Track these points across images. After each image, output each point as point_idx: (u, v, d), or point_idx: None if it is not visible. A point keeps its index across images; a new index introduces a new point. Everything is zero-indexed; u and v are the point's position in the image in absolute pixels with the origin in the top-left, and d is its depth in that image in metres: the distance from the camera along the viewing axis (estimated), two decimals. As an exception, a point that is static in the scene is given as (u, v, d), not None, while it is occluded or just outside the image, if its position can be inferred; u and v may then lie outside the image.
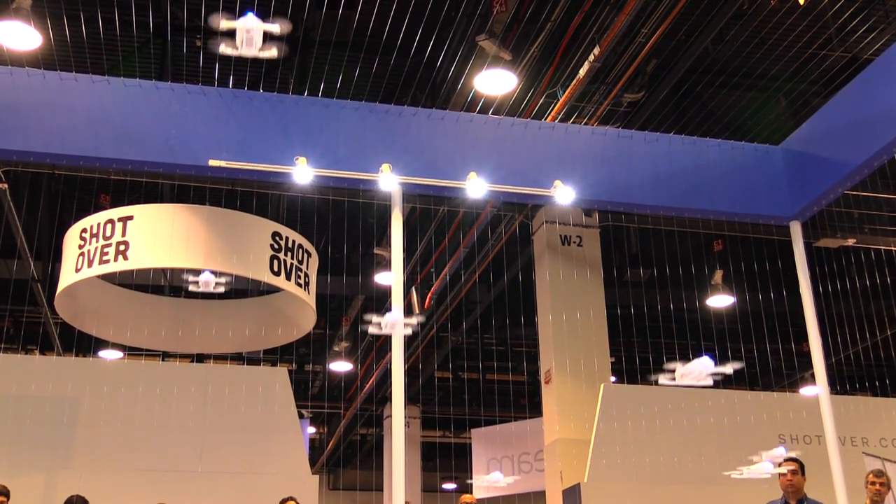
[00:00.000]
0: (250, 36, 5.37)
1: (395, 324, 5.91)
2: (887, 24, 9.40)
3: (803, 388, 16.00)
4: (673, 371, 5.65)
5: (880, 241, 12.24)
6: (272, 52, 5.49)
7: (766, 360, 16.15)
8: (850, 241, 12.15)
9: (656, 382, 5.99)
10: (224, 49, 5.40)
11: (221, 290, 7.27)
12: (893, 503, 8.88)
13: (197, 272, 7.06)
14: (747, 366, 16.74)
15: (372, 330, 5.84)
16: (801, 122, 7.95)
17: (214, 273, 7.14)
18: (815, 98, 10.36)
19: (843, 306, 12.76)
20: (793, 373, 16.96)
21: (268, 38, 5.51)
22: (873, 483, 6.67)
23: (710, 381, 5.64)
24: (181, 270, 9.74)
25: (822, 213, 9.70)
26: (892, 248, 12.11)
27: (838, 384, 16.61)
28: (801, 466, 6.51)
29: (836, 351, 13.70)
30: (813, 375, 7.48)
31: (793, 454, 6.59)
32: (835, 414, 7.03)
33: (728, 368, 5.57)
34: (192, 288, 7.26)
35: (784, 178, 7.67)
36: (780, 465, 6.51)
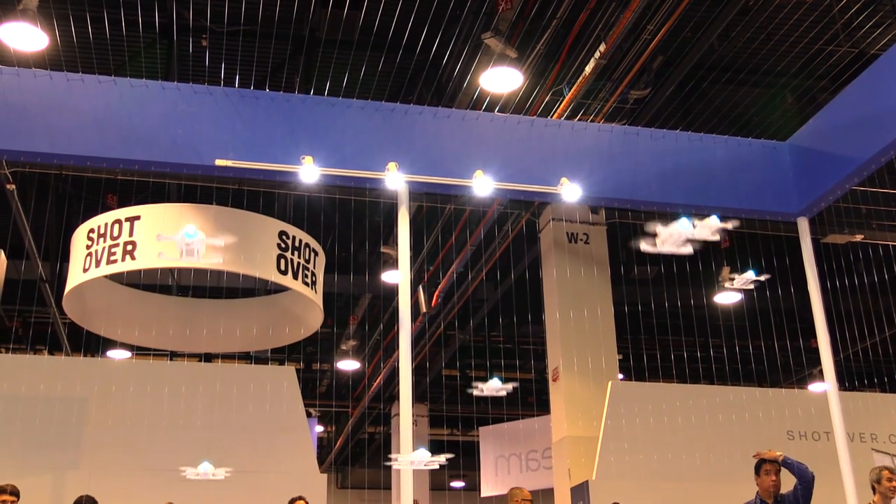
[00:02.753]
0: (191, 247, 5.50)
1: (420, 461, 5.82)
2: (894, 19, 9.37)
3: (811, 385, 15.99)
4: (654, 237, 5.54)
5: (888, 236, 12.21)
6: (217, 261, 5.65)
7: (774, 357, 16.11)
8: (858, 237, 12.12)
9: (637, 249, 5.86)
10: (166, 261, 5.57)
11: (221, 478, 7.35)
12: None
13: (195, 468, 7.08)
14: (755, 362, 16.69)
15: (395, 465, 5.89)
16: (808, 118, 7.92)
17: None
18: (821, 94, 10.33)
19: (851, 302, 12.73)
20: (801, 369, 16.94)
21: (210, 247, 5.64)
22: (890, 480, 6.60)
23: (689, 249, 5.54)
24: (189, 271, 9.77)
25: (830, 209, 9.69)
26: (901, 244, 12.08)
27: (846, 380, 16.59)
28: (778, 466, 6.48)
29: (844, 347, 13.69)
30: (821, 372, 7.47)
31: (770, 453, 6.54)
32: (843, 410, 7.01)
33: (707, 230, 5.46)
34: (189, 476, 7.31)
35: (791, 175, 7.65)
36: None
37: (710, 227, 5.41)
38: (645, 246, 5.54)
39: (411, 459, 5.77)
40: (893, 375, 15.73)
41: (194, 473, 7.19)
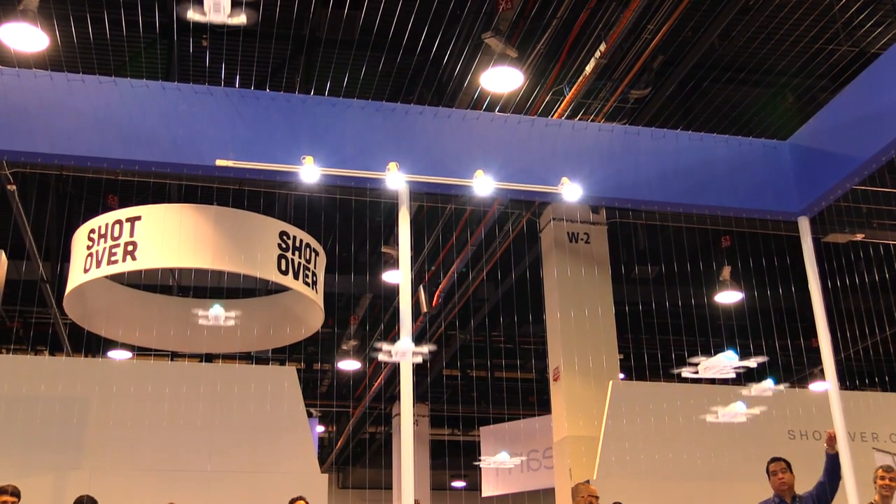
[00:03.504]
0: (218, 2, 5.35)
1: (405, 352, 5.91)
2: (894, 18, 9.37)
3: (812, 384, 15.98)
4: (696, 364, 5.64)
5: (889, 235, 12.20)
6: (241, 19, 5.47)
7: (775, 356, 16.11)
8: (859, 236, 12.11)
9: (679, 376, 5.98)
10: (192, 15, 5.39)
11: (231, 323, 7.29)
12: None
13: (207, 309, 7.03)
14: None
15: (382, 357, 5.88)
16: (809, 117, 7.92)
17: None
18: (822, 93, 10.33)
19: (852, 301, 12.73)
20: (802, 368, 16.94)
21: (235, 3, 5.52)
22: (883, 478, 6.65)
23: (732, 375, 5.65)
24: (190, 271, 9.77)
25: (831, 209, 9.68)
26: (901, 243, 12.08)
27: (847, 379, 16.60)
28: (789, 464, 6.52)
29: (845, 346, 13.69)
30: (822, 371, 7.46)
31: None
32: (844, 409, 7.01)
33: (752, 363, 5.56)
34: (202, 322, 7.27)
35: (792, 174, 7.65)
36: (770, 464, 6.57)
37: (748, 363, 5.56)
38: (686, 373, 5.69)
39: (397, 350, 5.85)
40: (894, 374, 15.73)
41: (205, 318, 7.16)
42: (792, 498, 6.42)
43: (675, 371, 6.12)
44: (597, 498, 7.03)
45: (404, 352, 5.91)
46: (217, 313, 7.08)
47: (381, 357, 5.87)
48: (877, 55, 8.41)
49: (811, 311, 7.33)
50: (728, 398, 11.02)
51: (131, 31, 9.50)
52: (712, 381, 12.95)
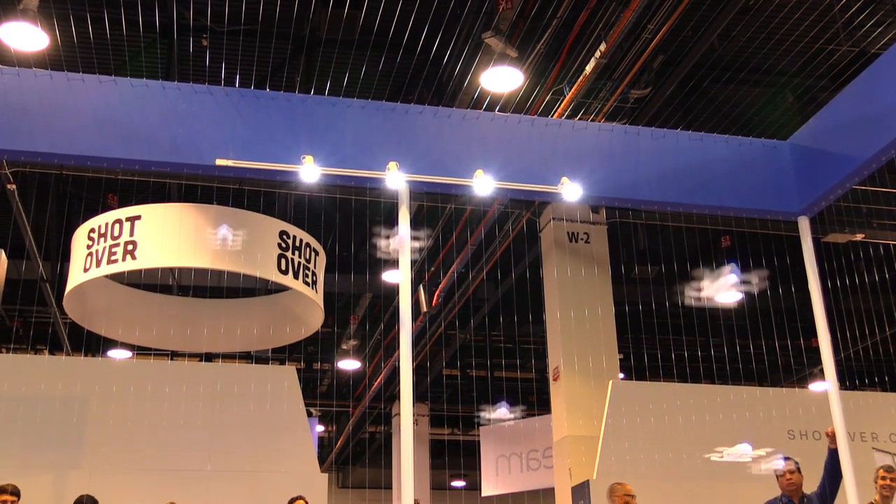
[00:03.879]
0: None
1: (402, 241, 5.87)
2: (895, 18, 9.37)
3: (812, 384, 15.99)
4: (700, 289, 5.60)
5: (889, 235, 12.20)
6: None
7: (775, 356, 16.12)
8: (859, 236, 12.11)
9: (681, 303, 5.94)
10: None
11: (239, 243, 7.26)
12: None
13: (216, 230, 7.05)
14: (756, 362, 16.68)
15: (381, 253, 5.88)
16: (809, 117, 7.92)
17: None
18: (822, 93, 10.33)
19: (852, 301, 12.73)
20: (801, 368, 16.94)
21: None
22: (884, 478, 6.65)
23: (736, 295, 5.58)
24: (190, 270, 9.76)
25: (831, 208, 9.68)
26: (901, 243, 12.08)
27: (847, 379, 16.60)
28: (798, 465, 6.52)
29: (845, 346, 13.69)
30: (822, 371, 7.46)
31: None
32: (844, 409, 7.00)
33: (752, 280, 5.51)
34: (210, 243, 7.24)
35: (792, 174, 7.64)
36: (780, 464, 6.56)
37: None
38: (691, 293, 5.63)
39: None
40: (894, 374, 15.73)
41: (214, 235, 7.16)
42: (800, 498, 6.42)
43: (676, 301, 6.13)
44: (633, 497, 7.01)
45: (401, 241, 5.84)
46: (225, 232, 7.08)
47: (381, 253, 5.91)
48: (877, 55, 8.41)
49: (811, 310, 7.33)
50: (728, 398, 11.08)
51: (131, 30, 9.50)
52: (712, 380, 12.96)
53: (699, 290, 5.78)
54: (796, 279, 8.59)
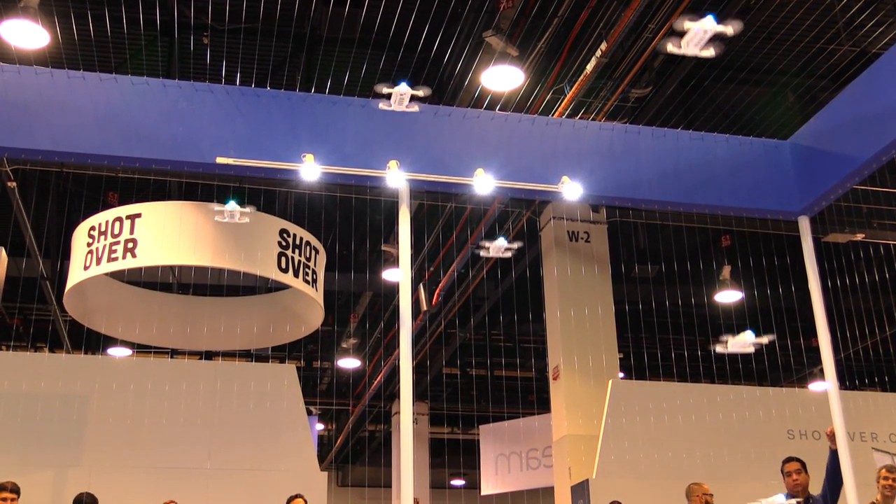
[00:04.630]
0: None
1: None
2: (895, 18, 9.36)
3: (812, 384, 15.99)
4: (680, 37, 5.54)
5: (889, 235, 12.20)
6: (710, 52, 5.64)
7: (775, 356, 16.13)
8: (859, 236, 12.11)
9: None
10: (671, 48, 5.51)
11: (247, 220, 7.26)
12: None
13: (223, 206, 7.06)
14: (755, 361, 16.69)
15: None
16: (810, 116, 7.91)
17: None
18: (823, 93, 10.33)
19: (852, 301, 12.73)
20: (801, 368, 16.94)
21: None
22: (886, 478, 6.65)
23: (712, 52, 5.54)
24: (190, 268, 9.76)
25: (831, 208, 9.68)
26: (902, 243, 12.08)
27: (847, 379, 16.60)
28: (804, 464, 6.52)
29: (845, 346, 13.69)
30: (822, 371, 7.46)
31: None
32: (844, 409, 7.00)
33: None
34: (217, 219, 7.25)
35: (792, 173, 7.64)
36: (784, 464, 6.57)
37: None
38: (670, 47, 5.54)
39: None
40: (894, 374, 15.73)
41: (221, 213, 7.15)
42: (806, 499, 6.42)
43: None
44: (711, 496, 7.03)
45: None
46: (233, 209, 7.08)
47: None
48: (878, 55, 8.40)
49: (811, 310, 7.33)
50: (728, 397, 11.09)
51: (132, 28, 9.50)
52: (712, 380, 12.97)
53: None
54: (796, 279, 8.58)
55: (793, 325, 14.24)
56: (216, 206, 7.18)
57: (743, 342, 6.06)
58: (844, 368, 15.60)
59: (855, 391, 12.28)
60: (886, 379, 15.80)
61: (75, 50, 9.41)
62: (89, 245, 8.45)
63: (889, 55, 6.82)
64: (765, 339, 6.07)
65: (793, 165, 7.65)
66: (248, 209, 7.11)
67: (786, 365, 16.52)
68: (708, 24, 5.24)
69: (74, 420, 9.44)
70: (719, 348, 6.22)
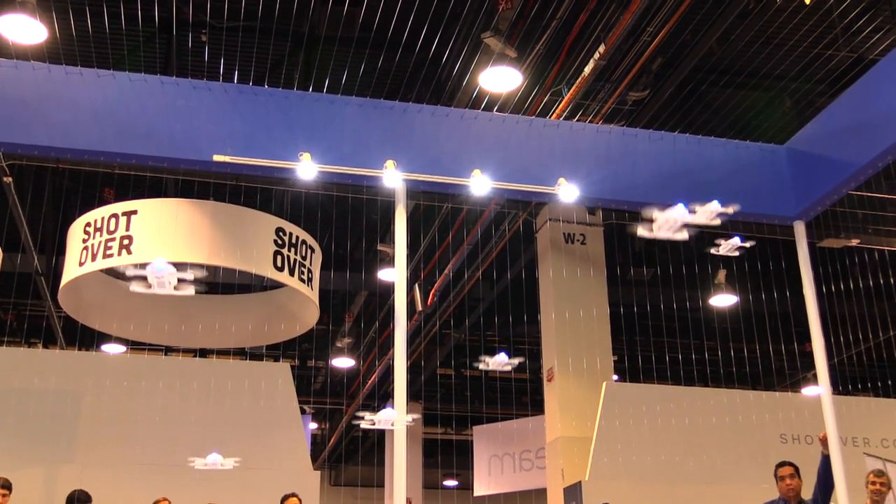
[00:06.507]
0: (161, 280, 5.59)
1: (390, 420, 5.98)
2: (893, 24, 9.38)
3: (805, 388, 16.01)
4: (651, 222, 5.57)
5: (884, 241, 12.22)
6: (189, 292, 5.73)
7: (769, 360, 16.15)
8: (854, 242, 12.13)
9: (634, 234, 5.92)
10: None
11: (229, 467, 7.33)
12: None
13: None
14: (749, 365, 16.71)
15: (364, 425, 5.95)
16: (806, 121, 7.93)
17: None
18: (820, 98, 10.35)
19: (847, 307, 12.75)
20: (795, 373, 16.95)
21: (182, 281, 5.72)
22: (874, 483, 6.68)
23: (685, 235, 5.57)
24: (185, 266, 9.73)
25: (826, 213, 9.69)
26: (896, 249, 12.11)
27: (840, 384, 16.61)
28: (797, 469, 6.54)
29: (838, 351, 13.71)
30: (815, 375, 7.48)
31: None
32: (837, 414, 7.02)
33: (702, 216, 5.48)
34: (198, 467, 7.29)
35: (788, 178, 7.66)
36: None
37: (709, 213, 5.43)
38: (641, 231, 5.56)
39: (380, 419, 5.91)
40: (887, 380, 15.75)
41: (203, 464, 7.18)
42: (798, 502, 6.45)
43: (631, 230, 6.08)
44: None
45: (389, 420, 5.97)
46: (214, 460, 7.12)
47: (364, 425, 5.95)
48: (875, 61, 8.43)
49: (805, 315, 7.34)
50: (722, 401, 11.09)
51: (130, 24, 9.48)
52: (706, 383, 12.97)
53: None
54: (791, 283, 8.59)
55: (787, 329, 14.26)
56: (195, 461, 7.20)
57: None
58: (838, 373, 15.60)
59: (848, 396, 12.29)
60: (879, 384, 15.82)
61: (73, 46, 9.39)
62: (85, 241, 8.43)
63: (886, 61, 6.84)
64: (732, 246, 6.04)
65: (789, 170, 7.67)
66: (230, 460, 7.14)
67: (779, 369, 16.53)
68: (678, 213, 5.31)
69: (67, 416, 9.42)
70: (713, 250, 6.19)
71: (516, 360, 6.45)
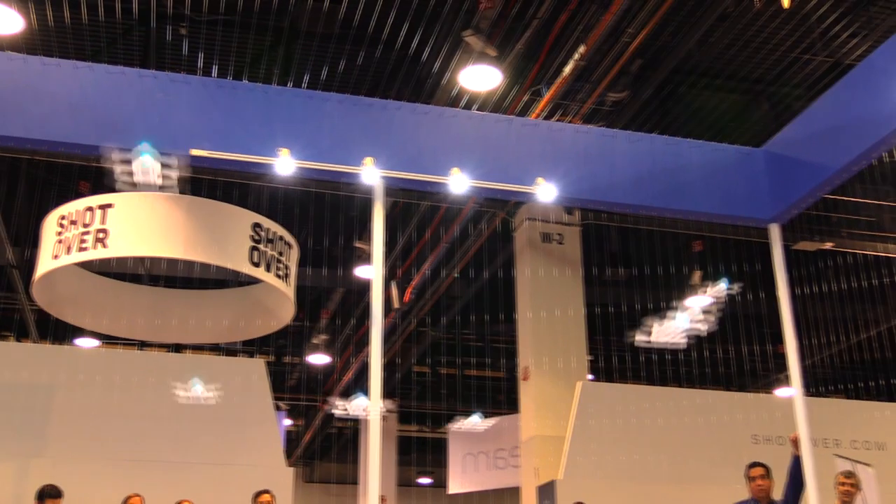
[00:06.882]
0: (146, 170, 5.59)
1: (362, 407, 5.98)
2: (870, 30, 9.47)
3: (778, 390, 16.15)
4: (649, 330, 5.67)
5: (857, 245, 12.35)
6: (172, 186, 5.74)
7: (742, 361, 16.27)
8: (828, 245, 12.25)
9: (632, 343, 6.03)
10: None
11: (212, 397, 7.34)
12: (864, 505, 8.97)
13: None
14: (723, 366, 16.83)
15: (337, 412, 5.93)
16: (783, 125, 7.99)
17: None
18: (797, 101, 10.43)
19: (820, 309, 12.87)
20: (768, 374, 17.10)
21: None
22: (843, 484, 6.76)
23: (683, 341, 5.67)
24: (161, 260, 9.70)
25: (801, 217, 9.77)
26: (869, 253, 12.23)
27: (812, 386, 16.77)
28: (769, 470, 6.59)
29: (811, 353, 13.85)
30: (787, 377, 7.53)
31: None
32: (808, 415, 7.08)
33: (699, 325, 5.59)
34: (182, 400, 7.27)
35: (764, 181, 7.70)
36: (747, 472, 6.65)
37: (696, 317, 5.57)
38: (640, 338, 5.69)
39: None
40: (858, 382, 15.92)
41: (185, 396, 7.15)
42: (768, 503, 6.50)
43: (629, 340, 6.20)
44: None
45: (361, 407, 5.96)
46: (198, 390, 7.13)
47: (338, 413, 5.94)
48: (851, 66, 8.51)
49: (779, 317, 7.40)
50: (695, 401, 11.17)
51: (108, 16, 9.42)
52: (679, 384, 13.06)
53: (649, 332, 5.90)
54: (765, 285, 8.66)
55: (761, 331, 14.38)
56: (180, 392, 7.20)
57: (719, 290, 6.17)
58: (810, 375, 15.76)
59: (820, 398, 12.42)
60: (850, 387, 15.98)
61: (50, 36, 9.31)
62: (59, 234, 8.37)
63: (863, 66, 6.90)
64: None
65: (765, 173, 7.72)
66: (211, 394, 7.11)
67: (753, 370, 16.66)
68: (677, 323, 5.45)
69: (39, 410, 9.35)
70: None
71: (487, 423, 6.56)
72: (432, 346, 16.93)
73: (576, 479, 10.17)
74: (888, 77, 6.43)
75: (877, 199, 11.89)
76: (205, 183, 10.60)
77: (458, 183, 6.81)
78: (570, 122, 9.55)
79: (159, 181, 5.65)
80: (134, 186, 5.66)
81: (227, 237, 8.53)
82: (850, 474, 6.89)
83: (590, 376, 12.50)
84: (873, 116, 6.51)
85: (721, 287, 5.65)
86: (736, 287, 5.96)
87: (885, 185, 11.68)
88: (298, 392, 19.44)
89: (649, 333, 5.58)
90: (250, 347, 16.09)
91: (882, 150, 6.55)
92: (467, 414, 10.26)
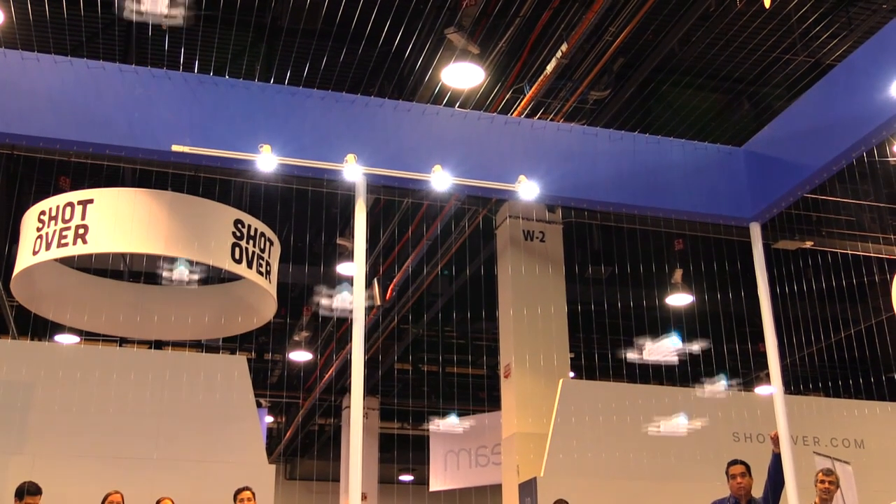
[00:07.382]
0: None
1: (348, 300, 5.94)
2: (850, 30, 9.54)
3: (758, 388, 16.24)
4: (642, 346, 5.76)
5: (837, 244, 12.42)
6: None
7: (723, 359, 16.35)
8: (808, 244, 12.32)
9: (625, 358, 6.12)
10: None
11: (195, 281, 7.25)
12: (842, 502, 9.05)
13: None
14: (704, 364, 16.90)
15: (322, 312, 5.88)
16: (764, 124, 8.03)
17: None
18: (777, 101, 10.49)
19: (800, 308, 12.94)
20: (748, 372, 17.19)
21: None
22: (822, 482, 6.81)
23: (675, 358, 5.76)
24: (142, 256, 9.66)
25: (782, 215, 9.84)
26: (849, 252, 12.31)
27: (792, 384, 16.87)
28: (748, 468, 6.63)
29: (791, 351, 13.93)
30: (768, 375, 7.59)
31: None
32: (788, 413, 7.13)
33: (693, 347, 5.68)
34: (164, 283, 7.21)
35: (745, 180, 7.75)
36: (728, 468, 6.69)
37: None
38: (632, 355, 5.77)
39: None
40: (837, 380, 16.02)
41: (169, 278, 7.11)
42: (748, 502, 6.53)
43: (623, 355, 6.27)
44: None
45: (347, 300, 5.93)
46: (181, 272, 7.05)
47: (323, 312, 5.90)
48: (832, 66, 8.57)
49: (759, 315, 7.44)
50: (676, 399, 11.21)
51: (89, 10, 9.36)
52: (661, 381, 13.12)
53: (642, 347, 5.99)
54: (746, 284, 8.71)
55: (741, 329, 14.45)
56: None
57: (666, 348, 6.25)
58: (790, 373, 15.86)
59: (799, 396, 12.48)
60: (830, 385, 16.08)
61: (30, 31, 9.25)
62: (39, 230, 8.31)
63: (842, 67, 6.96)
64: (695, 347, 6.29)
65: (746, 172, 7.77)
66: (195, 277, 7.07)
67: (733, 368, 16.74)
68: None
69: (18, 407, 9.28)
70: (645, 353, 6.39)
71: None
72: (414, 343, 16.93)
73: (557, 477, 10.19)
74: (868, 77, 6.49)
75: (856, 198, 11.98)
76: (186, 179, 10.55)
77: (440, 180, 6.82)
78: (552, 120, 9.56)
79: (165, 10, 5.58)
80: (140, 15, 5.57)
81: (209, 233, 8.50)
82: (829, 472, 6.95)
83: (571, 374, 12.52)
84: (853, 116, 6.57)
85: (675, 341, 5.76)
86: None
87: (864, 184, 11.76)
88: (280, 389, 19.39)
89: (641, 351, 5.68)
90: (232, 344, 16.03)
91: (862, 150, 6.61)
92: (447, 412, 10.29)
